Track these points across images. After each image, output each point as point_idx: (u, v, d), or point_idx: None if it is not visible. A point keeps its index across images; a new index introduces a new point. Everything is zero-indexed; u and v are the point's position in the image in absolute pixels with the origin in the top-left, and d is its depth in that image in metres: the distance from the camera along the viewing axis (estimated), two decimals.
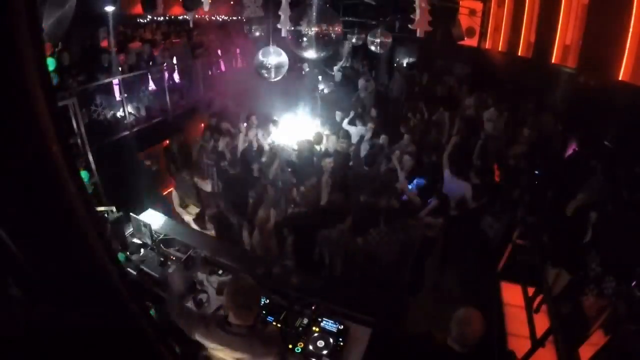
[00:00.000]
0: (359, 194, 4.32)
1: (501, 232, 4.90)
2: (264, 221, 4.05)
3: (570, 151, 6.34)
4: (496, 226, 5.08)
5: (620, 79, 5.89)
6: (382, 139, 6.07)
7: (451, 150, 5.21)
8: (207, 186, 5.18)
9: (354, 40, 9.40)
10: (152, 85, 7.68)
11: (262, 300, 2.99)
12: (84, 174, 5.09)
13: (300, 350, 2.61)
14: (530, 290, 3.75)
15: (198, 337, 2.10)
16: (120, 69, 7.12)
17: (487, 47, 10.91)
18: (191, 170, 5.43)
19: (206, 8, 4.65)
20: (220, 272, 3.37)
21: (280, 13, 4.92)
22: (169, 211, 5.29)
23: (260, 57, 4.60)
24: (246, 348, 2.00)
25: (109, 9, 6.70)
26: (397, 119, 7.69)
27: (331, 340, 2.66)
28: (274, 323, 2.80)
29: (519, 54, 9.21)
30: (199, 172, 5.45)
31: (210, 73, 9.60)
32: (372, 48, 7.69)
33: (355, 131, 6.65)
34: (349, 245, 3.65)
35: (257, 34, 8.91)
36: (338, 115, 7.21)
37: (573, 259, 3.76)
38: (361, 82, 9.26)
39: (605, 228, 3.91)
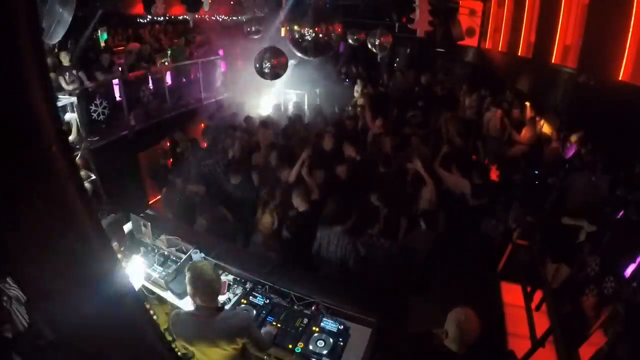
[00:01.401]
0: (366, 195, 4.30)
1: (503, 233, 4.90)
2: (269, 224, 4.05)
3: (570, 151, 6.34)
4: (501, 228, 5.09)
5: (620, 79, 5.89)
6: None
7: (441, 160, 5.27)
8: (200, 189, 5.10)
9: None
10: (152, 85, 7.68)
11: (262, 300, 3.00)
12: (83, 174, 5.10)
13: (300, 350, 2.61)
14: (530, 290, 3.75)
15: (177, 337, 2.15)
16: (120, 68, 7.13)
17: (487, 47, 10.91)
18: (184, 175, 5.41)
19: (206, 8, 4.67)
20: (220, 271, 3.37)
21: (280, 13, 4.93)
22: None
23: (260, 57, 4.61)
24: (216, 329, 2.07)
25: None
26: (399, 119, 7.69)
27: (331, 340, 2.66)
28: (274, 323, 2.80)
29: (519, 54, 9.21)
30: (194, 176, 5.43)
31: (209, 73, 9.59)
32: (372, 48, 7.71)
33: None
34: (347, 246, 3.65)
35: (258, 34, 8.92)
36: None
37: (571, 252, 3.78)
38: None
39: (604, 228, 3.92)
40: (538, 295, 3.93)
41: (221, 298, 3.06)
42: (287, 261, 4.14)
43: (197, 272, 2.06)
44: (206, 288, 2.05)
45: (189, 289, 2.08)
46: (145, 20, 12.11)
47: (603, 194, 5.08)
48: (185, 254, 3.44)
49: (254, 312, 2.90)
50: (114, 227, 3.66)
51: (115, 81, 6.83)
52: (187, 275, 2.08)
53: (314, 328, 2.76)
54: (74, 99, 5.04)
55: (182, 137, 6.18)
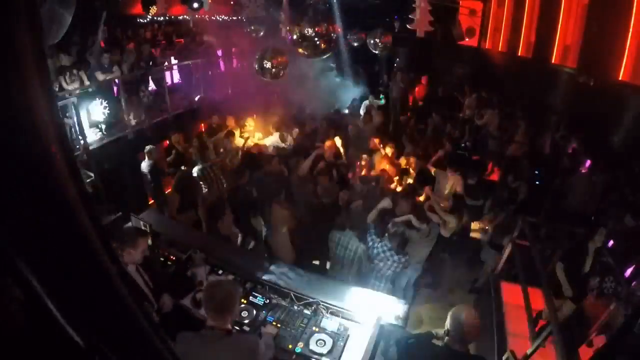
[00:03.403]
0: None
1: (497, 234, 4.91)
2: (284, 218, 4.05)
3: (570, 151, 6.34)
4: (489, 231, 5.10)
5: (620, 79, 5.89)
6: None
7: (436, 161, 5.34)
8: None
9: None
10: (152, 85, 7.67)
11: (262, 300, 3.00)
12: (84, 174, 5.10)
13: (300, 350, 2.60)
14: (531, 290, 3.74)
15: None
16: (120, 68, 7.12)
17: (487, 47, 10.91)
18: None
19: (207, 8, 4.67)
20: (220, 272, 3.37)
21: (280, 13, 4.93)
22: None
23: (260, 57, 4.60)
24: (223, 355, 1.98)
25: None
26: (398, 120, 7.71)
27: (331, 340, 2.66)
28: (274, 323, 2.80)
29: (519, 54, 9.21)
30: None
31: (210, 73, 9.59)
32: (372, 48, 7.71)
33: None
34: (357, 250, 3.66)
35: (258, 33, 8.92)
36: None
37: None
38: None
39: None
40: (538, 295, 3.93)
41: None
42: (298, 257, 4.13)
43: (215, 293, 2.02)
44: (218, 309, 2.00)
45: (203, 304, 2.04)
46: (145, 20, 12.10)
47: (600, 193, 5.09)
48: (185, 254, 3.44)
49: (254, 312, 2.90)
50: (114, 228, 3.66)
51: (115, 81, 6.83)
52: (204, 292, 2.04)
53: (314, 328, 2.76)
54: (74, 99, 5.05)
55: (178, 139, 6.23)
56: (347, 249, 3.64)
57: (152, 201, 6.38)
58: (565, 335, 2.79)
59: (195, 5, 6.70)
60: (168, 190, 5.96)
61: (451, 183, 5.03)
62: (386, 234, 3.57)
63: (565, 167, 5.95)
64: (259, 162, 5.09)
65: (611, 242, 4.29)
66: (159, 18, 12.47)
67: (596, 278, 3.42)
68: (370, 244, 3.67)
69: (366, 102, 8.37)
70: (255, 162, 5.06)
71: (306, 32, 5.05)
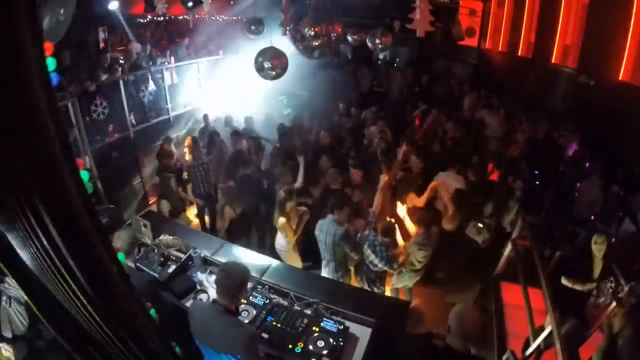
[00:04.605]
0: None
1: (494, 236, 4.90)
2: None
3: (570, 151, 6.34)
4: (484, 232, 5.08)
5: (620, 79, 5.89)
6: None
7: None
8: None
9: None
10: (152, 85, 7.66)
11: (262, 299, 3.00)
12: (84, 174, 5.10)
13: (300, 350, 2.61)
14: (531, 290, 3.73)
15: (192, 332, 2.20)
16: (120, 68, 7.12)
17: (487, 47, 10.91)
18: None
19: (206, 8, 4.66)
20: None
21: (280, 13, 4.93)
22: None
23: (260, 57, 4.59)
24: (219, 331, 2.10)
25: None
26: (398, 120, 7.69)
27: (331, 340, 2.66)
28: (274, 323, 2.80)
29: (519, 54, 9.22)
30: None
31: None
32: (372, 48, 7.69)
33: None
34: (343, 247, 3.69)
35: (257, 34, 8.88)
36: None
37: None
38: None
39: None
40: (538, 295, 3.93)
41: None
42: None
43: (227, 273, 2.15)
44: (230, 288, 2.13)
45: (215, 279, 2.19)
46: (145, 20, 12.08)
47: (600, 193, 5.09)
48: (185, 254, 3.44)
49: (255, 312, 2.90)
50: (114, 228, 3.66)
51: (116, 81, 6.82)
52: (218, 268, 2.24)
53: (314, 328, 2.75)
54: (74, 99, 5.04)
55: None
56: (327, 232, 3.69)
57: (152, 201, 6.40)
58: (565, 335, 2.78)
59: (190, 4, 6.67)
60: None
61: (455, 184, 5.01)
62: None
63: (564, 168, 5.95)
64: None
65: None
66: (159, 18, 12.45)
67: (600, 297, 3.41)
68: (371, 238, 3.72)
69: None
70: None
71: (305, 31, 5.06)
